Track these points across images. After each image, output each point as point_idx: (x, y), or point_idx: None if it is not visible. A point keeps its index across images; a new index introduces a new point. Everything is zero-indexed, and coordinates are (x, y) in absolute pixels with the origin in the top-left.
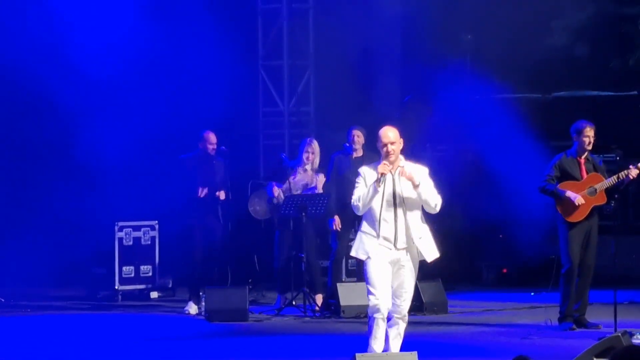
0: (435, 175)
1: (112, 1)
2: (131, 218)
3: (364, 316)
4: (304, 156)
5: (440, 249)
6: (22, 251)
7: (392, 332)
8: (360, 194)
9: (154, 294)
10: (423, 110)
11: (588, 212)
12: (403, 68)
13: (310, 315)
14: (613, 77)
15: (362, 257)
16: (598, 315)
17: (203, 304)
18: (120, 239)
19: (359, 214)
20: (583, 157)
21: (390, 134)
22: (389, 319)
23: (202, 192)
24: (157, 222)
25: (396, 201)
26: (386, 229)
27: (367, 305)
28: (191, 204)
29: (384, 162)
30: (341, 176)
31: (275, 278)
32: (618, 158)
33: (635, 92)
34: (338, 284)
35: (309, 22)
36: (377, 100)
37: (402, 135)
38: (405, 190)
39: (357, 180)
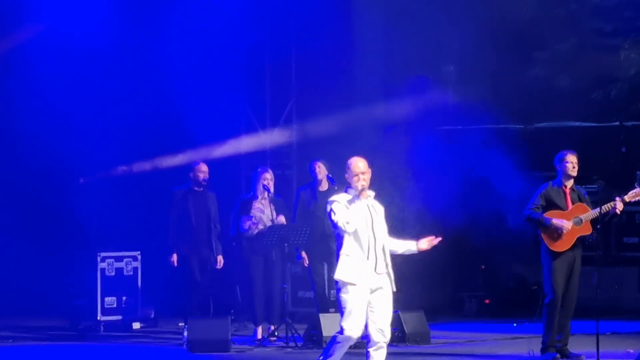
0: (417, 205)
1: (87, 40)
2: (113, 249)
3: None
4: (264, 184)
5: (423, 279)
6: (3, 282)
7: (380, 357)
8: (345, 212)
9: (136, 325)
10: (405, 141)
11: (573, 242)
12: (385, 99)
13: (292, 346)
14: (595, 108)
15: (351, 280)
16: (580, 346)
17: (185, 334)
18: (103, 270)
19: (351, 231)
20: (569, 186)
21: (361, 165)
22: (368, 343)
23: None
24: (139, 252)
25: (373, 228)
26: (370, 252)
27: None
28: (185, 235)
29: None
30: (308, 210)
31: (253, 309)
32: (600, 189)
33: (617, 123)
34: (320, 315)
35: (291, 53)
36: (359, 131)
37: (384, 166)
38: (377, 219)
39: (331, 207)
